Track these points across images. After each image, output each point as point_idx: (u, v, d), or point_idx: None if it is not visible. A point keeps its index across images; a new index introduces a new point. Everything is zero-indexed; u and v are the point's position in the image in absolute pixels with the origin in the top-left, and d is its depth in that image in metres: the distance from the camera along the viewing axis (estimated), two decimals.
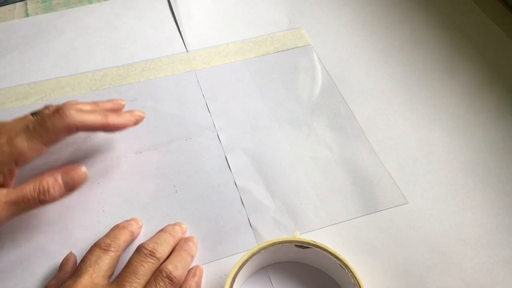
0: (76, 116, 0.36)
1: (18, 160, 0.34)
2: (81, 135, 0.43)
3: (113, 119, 0.38)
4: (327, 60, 0.51)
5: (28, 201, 0.33)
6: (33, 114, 0.37)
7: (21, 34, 0.52)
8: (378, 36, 0.53)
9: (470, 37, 0.53)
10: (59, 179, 0.35)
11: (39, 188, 0.33)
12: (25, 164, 0.34)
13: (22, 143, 0.33)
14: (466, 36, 0.53)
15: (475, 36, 0.53)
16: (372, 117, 0.46)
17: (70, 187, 0.35)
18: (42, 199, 0.34)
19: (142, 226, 0.38)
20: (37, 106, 0.45)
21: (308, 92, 0.48)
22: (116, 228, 0.36)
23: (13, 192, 0.33)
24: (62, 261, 0.35)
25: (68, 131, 0.36)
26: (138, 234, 0.37)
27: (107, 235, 0.35)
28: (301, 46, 0.52)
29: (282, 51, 0.52)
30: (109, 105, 0.41)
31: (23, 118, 0.37)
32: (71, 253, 0.36)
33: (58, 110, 0.35)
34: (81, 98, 0.46)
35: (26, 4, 0.56)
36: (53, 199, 0.34)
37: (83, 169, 0.36)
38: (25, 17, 0.54)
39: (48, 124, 0.34)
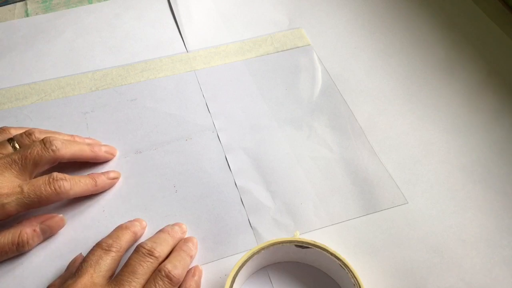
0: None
1: (3, 219, 0.34)
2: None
3: (103, 184, 0.39)
4: (327, 60, 0.51)
5: (6, 252, 0.34)
6: (10, 140, 0.37)
7: (21, 34, 0.52)
8: (378, 36, 0.53)
9: (470, 37, 0.53)
10: (38, 229, 0.36)
11: (17, 242, 0.34)
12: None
13: (11, 207, 0.34)
14: (466, 36, 0.53)
15: (475, 36, 0.53)
16: (372, 117, 0.46)
17: (48, 235, 0.37)
18: (20, 250, 0.35)
19: (145, 226, 0.38)
20: (37, 106, 0.45)
21: (308, 92, 0.48)
22: (119, 228, 0.36)
23: None
24: (70, 262, 0.35)
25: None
26: (141, 235, 0.37)
27: (109, 236, 0.35)
28: (301, 46, 0.52)
29: (282, 51, 0.52)
30: (88, 141, 0.42)
31: (2, 147, 0.37)
32: (80, 254, 0.36)
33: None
34: (81, 98, 0.46)
35: (26, 4, 0.56)
36: (31, 248, 0.36)
37: (60, 216, 0.37)
38: (25, 17, 0.54)
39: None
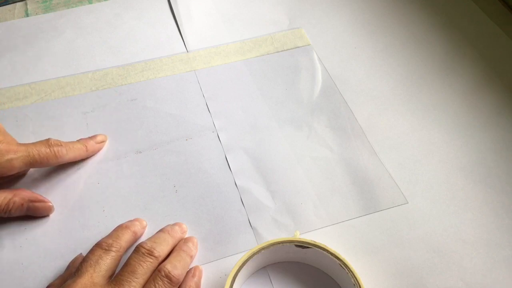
0: (68, 155, 0.39)
1: (7, 174, 0.36)
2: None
3: (92, 148, 0.42)
4: (327, 60, 0.51)
5: None
6: None
7: (21, 34, 0.52)
8: (378, 36, 0.53)
9: (470, 37, 0.53)
10: (25, 206, 0.37)
11: (4, 208, 0.36)
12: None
13: (17, 163, 0.36)
14: (466, 36, 0.53)
15: (475, 36, 0.53)
16: (372, 117, 0.46)
17: (31, 213, 0.38)
18: (1, 214, 0.37)
19: (146, 226, 0.38)
20: (37, 106, 0.45)
21: (308, 92, 0.48)
22: (119, 228, 0.36)
23: None
24: (70, 262, 0.35)
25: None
26: (141, 235, 0.37)
27: (109, 235, 0.35)
28: (301, 46, 0.52)
29: (282, 51, 0.52)
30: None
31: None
32: (80, 254, 0.36)
33: (54, 150, 0.38)
34: (81, 98, 0.46)
35: (26, 4, 0.56)
36: (9, 216, 0.37)
37: (50, 204, 0.38)
38: (25, 17, 0.54)
39: (43, 161, 0.37)
